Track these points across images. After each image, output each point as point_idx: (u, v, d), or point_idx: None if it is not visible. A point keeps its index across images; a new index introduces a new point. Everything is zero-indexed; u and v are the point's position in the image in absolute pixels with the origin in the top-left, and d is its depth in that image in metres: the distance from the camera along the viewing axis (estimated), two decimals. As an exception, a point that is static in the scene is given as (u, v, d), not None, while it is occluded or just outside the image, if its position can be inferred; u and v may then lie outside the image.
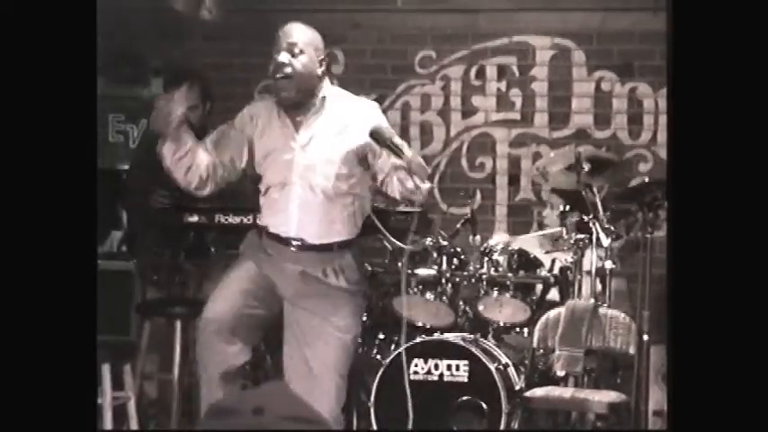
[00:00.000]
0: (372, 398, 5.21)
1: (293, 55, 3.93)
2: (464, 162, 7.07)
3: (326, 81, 4.07)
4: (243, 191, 5.43)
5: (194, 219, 5.07)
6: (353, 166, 3.97)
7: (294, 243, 3.99)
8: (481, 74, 7.06)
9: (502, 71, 7.04)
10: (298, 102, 3.95)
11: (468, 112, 7.05)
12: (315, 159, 3.96)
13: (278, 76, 3.93)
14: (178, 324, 5.09)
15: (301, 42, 3.94)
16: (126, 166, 6.61)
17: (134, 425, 5.07)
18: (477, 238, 5.74)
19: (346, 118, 3.99)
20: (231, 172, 4.07)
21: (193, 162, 3.96)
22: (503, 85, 7.05)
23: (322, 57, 4.02)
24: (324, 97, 3.99)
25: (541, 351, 5.29)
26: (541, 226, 6.75)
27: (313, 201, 3.95)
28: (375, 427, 5.20)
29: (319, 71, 4.00)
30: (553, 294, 5.68)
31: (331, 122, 3.98)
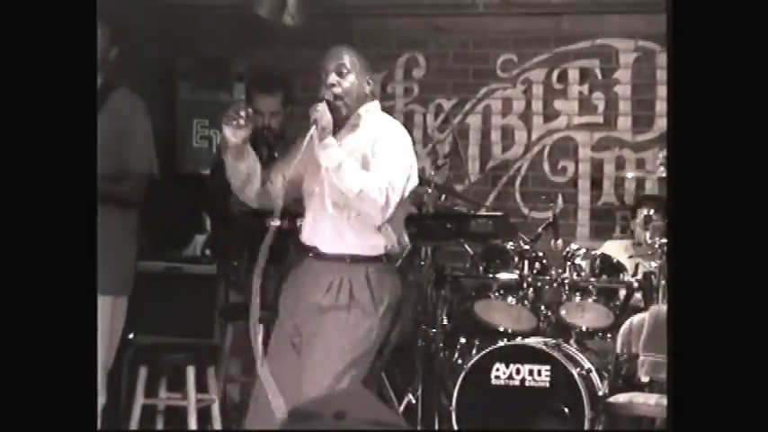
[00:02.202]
0: (454, 402, 5.20)
1: (340, 75, 4.06)
2: (546, 166, 7.03)
3: (374, 102, 4.14)
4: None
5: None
6: None
7: (312, 251, 4.04)
8: (563, 77, 7.01)
9: (584, 74, 6.99)
10: (336, 119, 4.01)
11: (549, 115, 7.01)
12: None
13: (326, 96, 4.03)
14: (261, 328, 5.12)
15: (348, 63, 4.09)
16: (209, 171, 6.70)
17: (218, 427, 5.12)
18: (560, 242, 5.71)
19: (366, 135, 4.02)
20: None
21: (252, 183, 4.13)
22: (585, 89, 6.99)
23: (369, 77, 4.14)
24: (359, 115, 4.06)
25: (625, 356, 5.23)
26: (624, 230, 6.69)
27: (325, 211, 3.99)
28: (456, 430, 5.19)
29: (367, 91, 4.11)
30: (637, 300, 5.63)
31: (357, 140, 4.02)
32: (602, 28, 6.95)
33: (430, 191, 5.78)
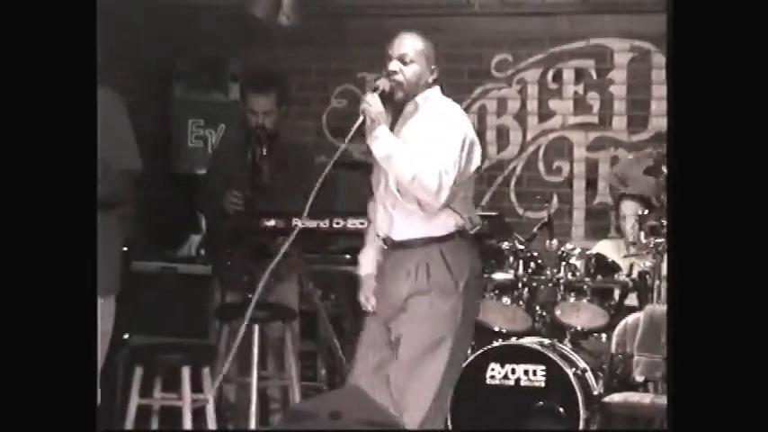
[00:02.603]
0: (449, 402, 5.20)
1: (404, 63, 4.06)
2: (541, 166, 7.03)
3: (433, 89, 4.14)
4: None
5: (271, 223, 5.10)
6: None
7: (386, 242, 4.07)
8: (558, 77, 7.02)
9: (579, 74, 7.00)
10: (397, 106, 4.08)
11: (544, 115, 7.01)
12: None
13: (380, 84, 4.06)
14: (256, 328, 5.12)
15: (412, 52, 4.08)
16: (204, 171, 6.70)
17: (212, 427, 5.12)
18: (555, 242, 5.72)
19: (425, 124, 4.02)
20: None
21: None
22: (580, 89, 7.00)
23: (434, 66, 4.14)
24: (416, 103, 4.07)
25: (620, 356, 5.24)
26: (619, 230, 6.70)
27: (393, 200, 4.01)
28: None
29: (430, 80, 4.11)
30: (631, 299, 5.63)
31: (414, 127, 4.03)
32: (596, 28, 6.95)
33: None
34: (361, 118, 3.95)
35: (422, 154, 3.91)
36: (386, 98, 4.03)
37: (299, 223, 5.05)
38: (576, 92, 7.01)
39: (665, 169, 5.68)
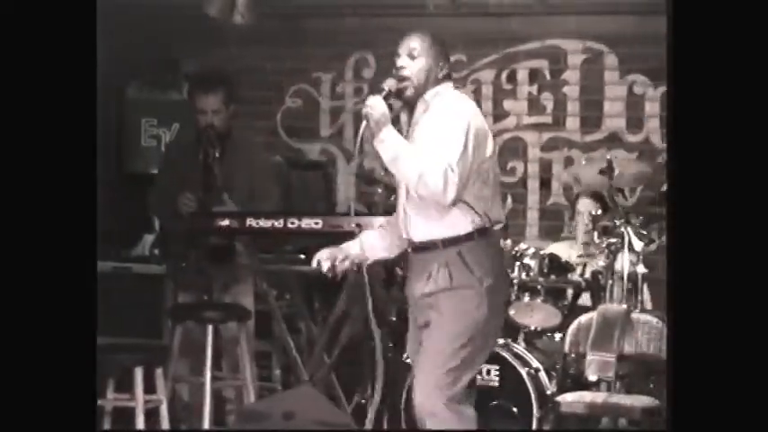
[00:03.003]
0: (403, 401, 5.21)
1: (412, 58, 4.03)
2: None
3: (444, 84, 4.08)
4: (264, 194, 5.47)
5: (225, 223, 5.09)
6: None
7: (410, 246, 4.05)
8: (512, 78, 7.05)
9: (533, 75, 7.03)
10: (410, 104, 4.05)
11: (499, 115, 7.03)
12: None
13: (397, 77, 4.02)
14: (210, 328, 5.11)
15: (421, 47, 4.04)
16: (152, 170, 6.66)
17: (166, 427, 5.09)
18: (509, 242, 5.73)
19: (435, 114, 3.99)
20: None
21: None
22: (534, 89, 7.03)
23: (443, 63, 4.08)
24: (425, 100, 4.03)
25: (573, 356, 5.27)
26: (573, 230, 6.73)
27: (412, 198, 3.97)
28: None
29: (440, 75, 4.06)
30: (585, 299, 5.66)
31: (425, 122, 4.00)
32: (550, 29, 6.99)
33: (380, 191, 5.78)
34: (364, 122, 3.88)
35: (426, 152, 3.85)
36: (398, 97, 4.02)
37: (253, 223, 5.06)
38: (530, 92, 7.04)
39: (617, 170, 5.73)
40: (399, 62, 4.03)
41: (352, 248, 4.13)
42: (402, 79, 4.00)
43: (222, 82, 5.51)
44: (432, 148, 3.85)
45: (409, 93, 4.01)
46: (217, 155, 5.33)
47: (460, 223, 3.93)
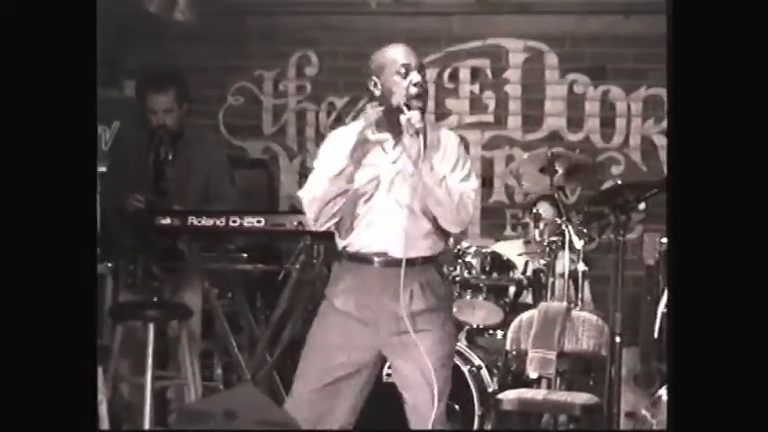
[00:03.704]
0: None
1: (424, 76, 3.92)
2: (437, 164, 7.07)
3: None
4: (220, 194, 5.44)
5: (167, 221, 5.05)
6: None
7: (377, 259, 3.89)
8: (454, 76, 7.08)
9: (475, 74, 7.07)
10: (398, 117, 3.87)
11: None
12: (402, 174, 3.89)
13: (420, 93, 3.84)
14: (151, 327, 5.07)
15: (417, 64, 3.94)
16: (98, 168, 6.59)
17: (105, 427, 5.05)
18: (451, 240, 5.75)
19: (436, 143, 3.92)
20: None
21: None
22: (476, 88, 7.07)
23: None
24: (430, 122, 3.96)
25: (514, 353, 5.30)
26: (515, 228, 6.78)
27: (398, 214, 3.87)
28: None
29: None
30: (526, 297, 5.70)
31: (433, 151, 3.89)
32: (491, 28, 7.03)
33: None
34: (363, 127, 3.80)
35: (456, 177, 3.86)
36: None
37: (195, 222, 5.03)
38: (471, 91, 7.08)
39: (558, 169, 5.78)
40: (415, 78, 3.85)
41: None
42: (417, 97, 3.83)
43: (174, 80, 5.43)
44: (459, 172, 3.89)
45: (422, 106, 3.86)
46: (170, 156, 5.26)
47: (436, 244, 3.94)
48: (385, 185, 3.90)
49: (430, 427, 3.88)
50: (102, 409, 5.01)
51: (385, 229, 3.88)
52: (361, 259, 3.90)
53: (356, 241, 3.92)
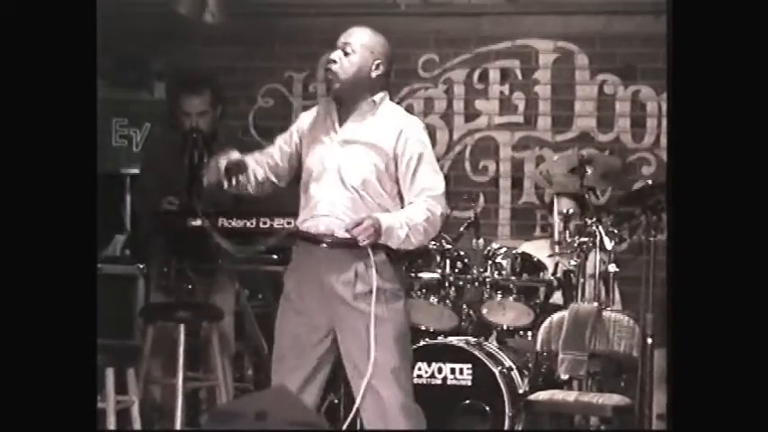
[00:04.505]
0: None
1: (345, 54, 3.99)
2: (467, 165, 7.07)
3: (383, 92, 4.07)
4: (251, 195, 5.45)
5: (198, 222, 5.06)
6: (381, 176, 3.97)
7: (325, 239, 3.93)
8: (484, 77, 7.06)
9: (505, 74, 7.05)
10: (345, 99, 4.01)
11: (471, 115, 7.05)
12: (351, 157, 3.95)
13: (326, 70, 4.03)
14: (182, 328, 5.09)
15: (356, 44, 4.00)
16: (129, 170, 6.62)
17: (138, 428, 5.07)
18: (481, 241, 5.74)
19: (390, 129, 3.98)
20: (280, 170, 4.18)
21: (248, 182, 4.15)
22: (506, 89, 7.05)
23: (379, 61, 4.03)
24: (374, 101, 4.01)
25: (545, 354, 5.28)
26: (545, 229, 6.76)
27: (344, 195, 3.93)
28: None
29: (373, 74, 4.02)
30: (556, 298, 5.68)
31: (375, 127, 3.98)
32: (521, 29, 7.01)
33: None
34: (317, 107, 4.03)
35: (415, 174, 3.95)
36: (328, 94, 4.05)
37: (225, 223, 5.04)
38: (501, 92, 7.06)
39: (589, 169, 5.75)
40: (332, 55, 4.00)
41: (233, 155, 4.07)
42: (331, 74, 3.98)
43: (208, 83, 5.43)
44: (424, 173, 3.96)
45: (335, 86, 3.99)
46: (205, 159, 5.27)
47: None
48: (332, 166, 3.95)
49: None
50: (134, 410, 5.03)
51: (332, 210, 3.93)
52: (311, 239, 3.96)
53: (307, 222, 3.99)
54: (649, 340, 4.94)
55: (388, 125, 3.99)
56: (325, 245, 3.94)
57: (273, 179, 4.20)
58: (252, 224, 5.00)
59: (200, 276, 5.33)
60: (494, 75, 7.06)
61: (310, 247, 3.98)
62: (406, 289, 4.11)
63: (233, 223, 5.02)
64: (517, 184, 7.02)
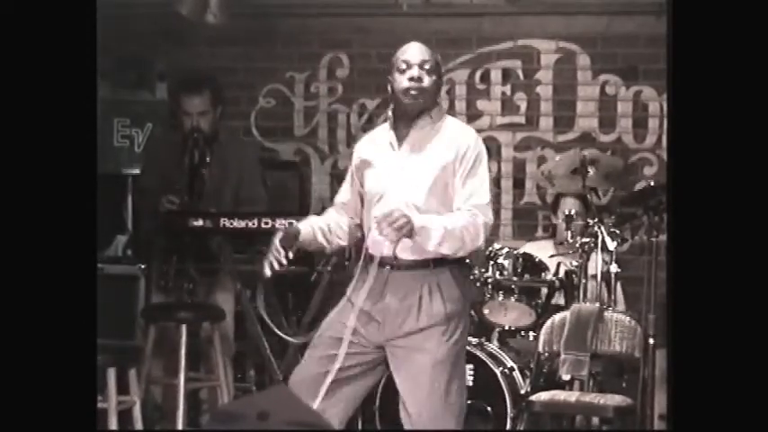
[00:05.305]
0: (378, 401, 5.21)
1: (427, 72, 3.91)
2: (469, 166, 7.06)
3: (437, 106, 4.02)
4: (252, 196, 5.45)
5: (199, 223, 5.06)
6: (442, 188, 3.91)
7: (389, 261, 3.84)
8: (486, 78, 7.06)
9: (506, 75, 7.05)
10: (408, 118, 3.92)
11: (472, 115, 7.04)
12: (411, 173, 3.88)
13: (413, 88, 3.87)
14: (184, 329, 5.09)
15: (432, 62, 3.94)
16: (131, 171, 6.62)
17: (139, 428, 5.08)
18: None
19: (447, 142, 3.93)
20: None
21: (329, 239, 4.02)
22: (507, 89, 7.05)
23: (442, 80, 4.02)
24: (431, 117, 3.95)
25: (546, 355, 5.28)
26: (546, 229, 6.76)
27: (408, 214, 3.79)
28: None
29: (442, 92, 4.03)
30: (558, 298, 5.68)
31: (436, 143, 3.92)
32: (523, 29, 7.01)
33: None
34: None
35: (467, 184, 3.88)
36: (409, 112, 3.90)
37: (227, 224, 5.04)
38: (503, 92, 7.06)
39: (590, 170, 5.75)
40: (415, 73, 3.87)
41: (303, 233, 3.93)
42: (419, 91, 3.87)
43: (208, 83, 5.44)
44: (476, 183, 3.90)
45: (419, 103, 3.89)
46: (207, 159, 5.28)
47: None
48: (393, 187, 3.89)
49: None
50: (136, 410, 5.04)
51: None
52: (380, 262, 3.86)
53: (371, 243, 3.89)
54: (651, 341, 4.93)
55: (448, 139, 3.93)
56: (389, 266, 3.85)
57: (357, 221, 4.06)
58: (254, 225, 5.01)
59: (201, 276, 5.34)
60: (495, 75, 7.05)
61: (377, 268, 3.87)
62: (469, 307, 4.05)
63: (235, 223, 5.03)
64: (519, 184, 7.02)
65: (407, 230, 3.66)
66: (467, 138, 3.98)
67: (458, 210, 3.87)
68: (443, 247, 3.77)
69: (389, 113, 3.99)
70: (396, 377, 3.89)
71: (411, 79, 3.87)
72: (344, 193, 4.10)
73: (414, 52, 3.94)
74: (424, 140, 3.92)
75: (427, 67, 3.90)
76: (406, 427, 3.86)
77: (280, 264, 3.77)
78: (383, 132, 4.02)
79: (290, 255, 3.81)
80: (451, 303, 3.85)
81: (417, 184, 3.87)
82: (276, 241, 3.80)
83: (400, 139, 3.94)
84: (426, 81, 3.89)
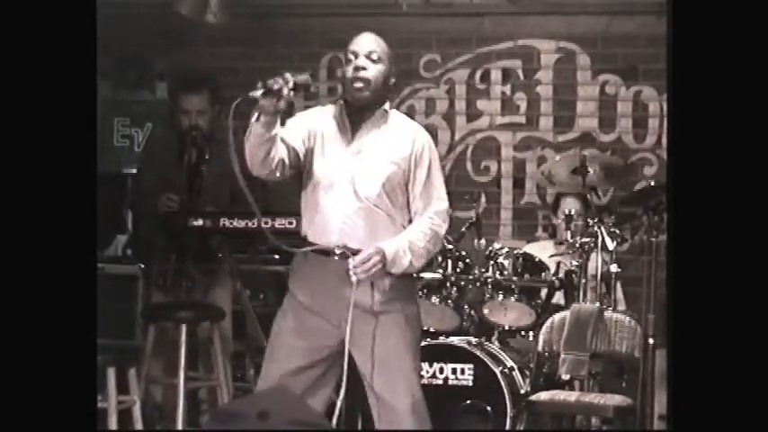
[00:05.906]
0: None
1: (372, 62, 3.91)
2: (469, 165, 7.07)
3: (389, 101, 4.02)
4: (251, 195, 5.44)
5: (199, 222, 5.06)
6: (395, 185, 3.93)
7: (337, 251, 3.85)
8: (486, 77, 7.06)
9: (507, 75, 7.05)
10: (364, 107, 3.93)
11: (472, 115, 7.05)
12: (364, 167, 3.89)
13: (356, 78, 3.89)
14: (183, 328, 5.09)
15: (380, 51, 3.93)
16: (131, 170, 6.62)
17: (139, 428, 5.07)
18: (482, 241, 5.74)
19: (404, 139, 3.95)
20: (294, 162, 3.97)
21: (274, 151, 3.96)
22: (507, 89, 7.05)
23: (393, 69, 3.99)
24: (386, 111, 3.96)
25: (546, 355, 5.28)
26: (546, 229, 6.76)
27: (357, 206, 3.86)
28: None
29: (390, 83, 3.98)
30: (558, 298, 5.68)
31: (389, 137, 3.94)
32: (523, 29, 7.01)
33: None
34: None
35: (421, 186, 3.94)
36: (355, 102, 3.92)
37: (227, 223, 5.04)
38: (503, 92, 7.06)
39: (591, 169, 5.75)
40: (359, 62, 3.89)
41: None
42: (362, 82, 3.88)
43: (207, 82, 5.44)
44: (434, 185, 3.97)
45: (365, 95, 3.90)
46: (206, 156, 5.28)
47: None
48: (345, 177, 3.89)
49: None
50: (135, 410, 5.03)
51: (345, 221, 3.86)
52: (321, 251, 3.88)
53: (316, 233, 3.91)
54: (651, 340, 4.93)
55: (402, 135, 3.95)
56: (337, 257, 3.85)
57: (288, 165, 3.95)
58: (254, 224, 5.01)
59: (200, 275, 5.34)
60: (495, 75, 7.06)
61: (322, 259, 3.89)
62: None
63: (234, 223, 5.03)
64: (519, 184, 7.02)
65: (383, 272, 3.78)
66: (420, 138, 4.00)
67: (416, 214, 3.93)
68: (410, 269, 3.90)
69: (341, 101, 4.01)
70: (355, 350, 3.92)
71: (356, 69, 3.89)
72: (294, 138, 4.01)
73: (361, 42, 3.94)
74: (377, 136, 3.93)
75: (374, 57, 3.89)
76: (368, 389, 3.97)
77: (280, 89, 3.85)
78: (337, 115, 4.01)
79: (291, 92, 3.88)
80: (398, 291, 3.92)
81: (370, 179, 3.88)
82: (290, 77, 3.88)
83: (353, 131, 3.94)
84: (372, 70, 3.88)
